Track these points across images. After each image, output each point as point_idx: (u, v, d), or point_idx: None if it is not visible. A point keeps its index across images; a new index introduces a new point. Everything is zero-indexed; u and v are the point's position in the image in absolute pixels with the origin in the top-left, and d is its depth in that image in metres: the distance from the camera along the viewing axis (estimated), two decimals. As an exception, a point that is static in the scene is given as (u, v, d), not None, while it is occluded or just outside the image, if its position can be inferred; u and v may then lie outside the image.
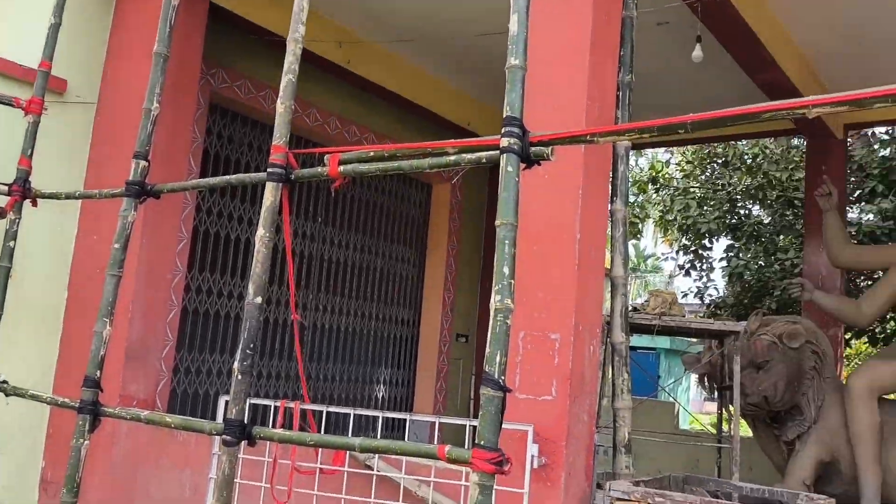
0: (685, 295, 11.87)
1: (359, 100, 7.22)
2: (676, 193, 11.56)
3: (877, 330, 9.82)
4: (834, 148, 7.35)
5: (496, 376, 2.22)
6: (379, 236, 8.12)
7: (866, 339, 10.44)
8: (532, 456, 3.08)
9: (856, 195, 9.87)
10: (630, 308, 4.62)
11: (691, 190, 11.68)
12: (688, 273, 12.23)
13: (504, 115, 2.38)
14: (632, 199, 12.42)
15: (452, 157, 2.67)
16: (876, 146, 10.09)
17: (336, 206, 7.52)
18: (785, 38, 5.89)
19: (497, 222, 2.23)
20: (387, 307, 8.21)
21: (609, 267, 3.51)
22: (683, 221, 11.39)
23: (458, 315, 8.50)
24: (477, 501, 2.18)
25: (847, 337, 10.99)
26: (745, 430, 7.02)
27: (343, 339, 7.65)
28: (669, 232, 12.37)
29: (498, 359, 2.23)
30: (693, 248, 11.92)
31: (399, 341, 8.36)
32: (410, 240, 8.53)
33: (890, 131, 10.24)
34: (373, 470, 3.35)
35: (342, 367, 7.68)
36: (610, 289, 3.50)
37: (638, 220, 11.68)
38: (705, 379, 5.90)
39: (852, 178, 9.92)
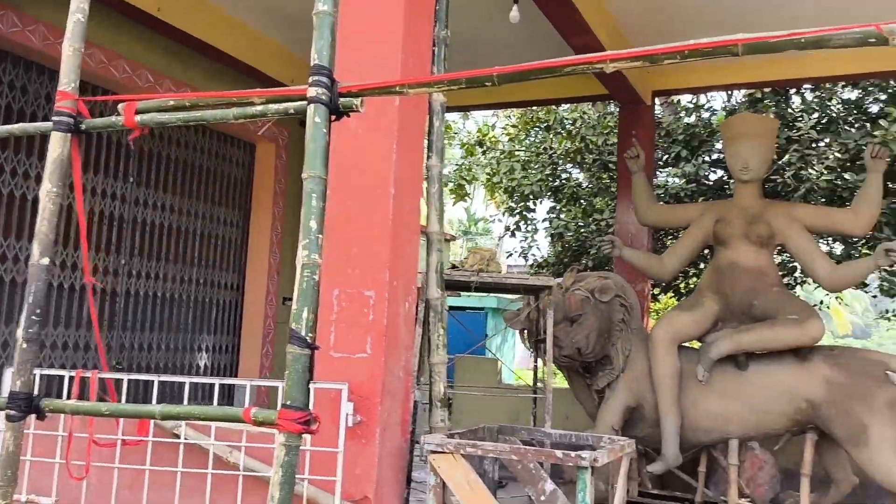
0: (510, 255, 12.27)
1: (175, 53, 6.78)
2: (502, 156, 11.87)
3: (681, 285, 10.62)
4: (643, 113, 7.79)
5: (303, 333, 2.16)
6: (199, 198, 7.74)
7: (672, 294, 11.28)
8: (347, 414, 3.04)
9: (664, 160, 10.54)
10: (449, 265, 4.68)
11: (516, 153, 12.03)
12: (513, 234, 12.64)
13: (312, 64, 2.28)
14: (460, 161, 12.64)
15: (258, 108, 2.54)
16: (682, 114, 10.81)
17: (151, 167, 7.08)
18: (598, 4, 6.12)
19: (304, 175, 2.15)
20: (208, 271, 7.88)
21: (425, 223, 3.51)
22: (509, 184, 11.72)
23: (285, 278, 8.31)
24: (283, 462, 2.11)
25: (656, 292, 11.84)
26: (562, 381, 7.38)
27: (161, 306, 7.27)
28: (497, 194, 12.69)
29: (305, 315, 2.16)
30: (518, 210, 12.31)
31: (222, 306, 8.06)
32: (233, 201, 8.20)
33: (694, 100, 11.00)
34: (180, 438, 3.19)
35: (161, 335, 7.30)
36: (426, 245, 3.51)
37: (466, 182, 11.92)
38: (524, 334, 6.12)
39: (661, 144, 10.58)
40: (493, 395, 8.09)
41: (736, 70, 7.46)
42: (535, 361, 5.76)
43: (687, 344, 6.08)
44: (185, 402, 3.28)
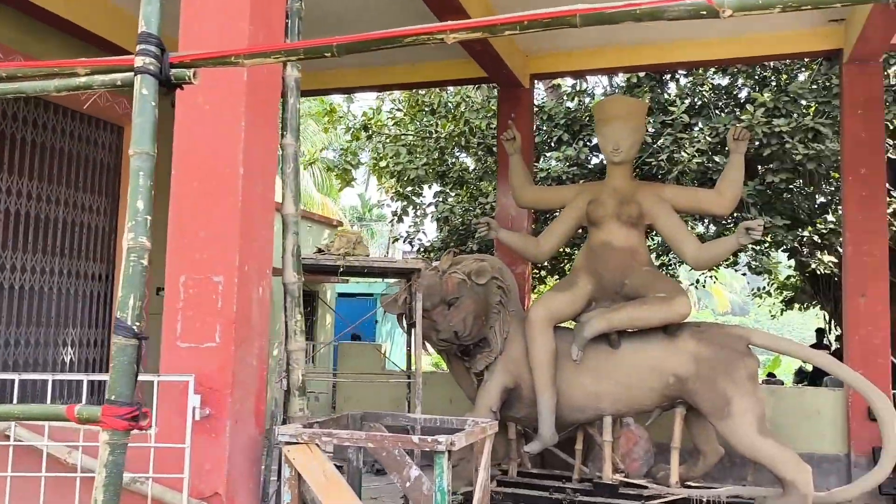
0: (396, 240, 12.18)
1: (29, 28, 6.29)
2: (388, 141, 11.74)
3: (567, 268, 10.82)
4: (522, 97, 7.83)
5: (129, 323, 2.00)
6: (62, 184, 7.25)
7: (558, 277, 11.49)
8: (194, 407, 2.87)
9: (547, 143, 10.68)
10: (315, 249, 4.54)
11: (402, 137, 11.93)
12: (401, 219, 12.56)
13: (139, 32, 2.11)
14: (344, 145, 12.42)
15: (83, 80, 2.34)
16: (564, 99, 10.98)
17: (5, 150, 6.57)
18: (471, -16, 6.08)
19: (130, 151, 1.99)
20: (74, 261, 7.42)
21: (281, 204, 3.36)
22: (395, 168, 11.61)
23: (157, 268, 7.91)
24: (108, 462, 1.95)
25: (542, 275, 12.03)
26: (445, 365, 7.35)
27: (21, 299, 6.79)
28: (384, 179, 12.56)
29: (131, 303, 2.02)
30: (405, 195, 12.23)
31: (90, 298, 7.61)
32: (100, 187, 7.74)
33: (575, 85, 11.19)
34: (10, 440, 2.94)
35: (22, 330, 6.82)
36: (282, 227, 3.36)
37: (351, 167, 11.72)
38: (402, 319, 6.04)
39: (544, 128, 10.72)
40: (377, 382, 8.00)
41: (613, 55, 7.60)
42: (408, 346, 5.69)
43: (564, 324, 6.16)
44: (49, 400, 3.03)
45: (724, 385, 5.41)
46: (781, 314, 15.60)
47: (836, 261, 10.09)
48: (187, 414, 2.87)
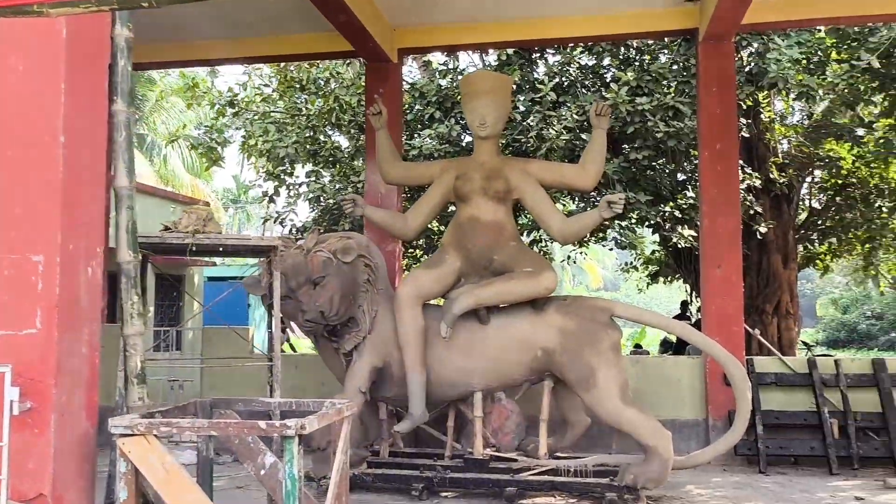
0: (267, 221, 11.81)
1: None
2: (256, 118, 11.30)
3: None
4: (391, 72, 7.67)
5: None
6: None
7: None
8: (11, 401, 2.59)
9: (419, 120, 10.57)
10: (162, 227, 4.25)
11: (272, 115, 11.52)
12: (272, 200, 12.15)
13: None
14: (209, 122, 11.86)
15: None
16: (436, 76, 10.89)
17: None
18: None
19: None
20: None
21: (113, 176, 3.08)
22: (264, 147, 11.20)
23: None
24: None
25: (418, 254, 11.96)
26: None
27: None
28: (254, 158, 12.10)
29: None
30: (276, 174, 11.84)
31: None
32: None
33: (447, 62, 11.12)
34: None
35: None
36: (115, 202, 3.08)
37: (217, 146, 11.20)
38: (266, 300, 5.81)
39: (416, 106, 10.60)
40: (246, 368, 7.71)
41: (482, 30, 7.56)
42: (269, 328, 5.46)
43: (433, 302, 6.10)
44: None
45: (589, 356, 5.50)
46: (648, 288, 16.20)
47: (695, 235, 10.54)
48: (4, 408, 2.58)
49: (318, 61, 10.51)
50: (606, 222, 10.66)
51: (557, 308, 5.74)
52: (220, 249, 4.69)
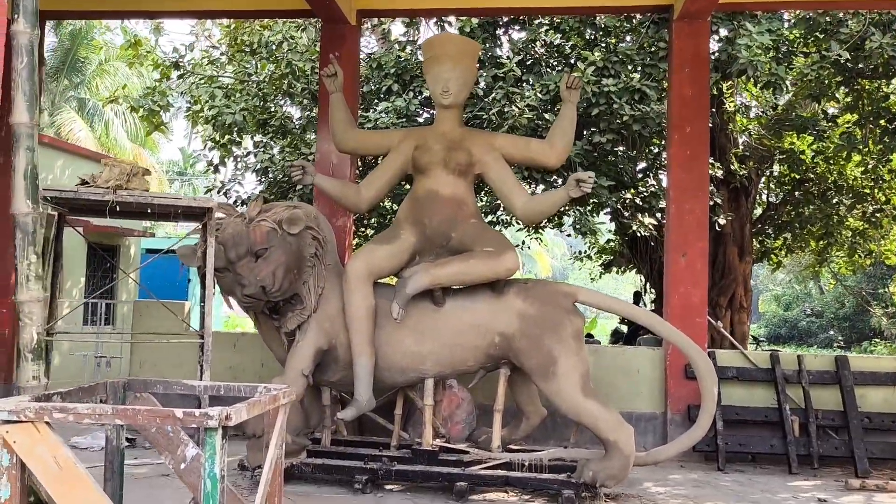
0: (210, 191, 11.21)
1: None
2: (202, 82, 10.67)
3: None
4: (348, 35, 7.18)
5: None
6: None
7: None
8: None
9: (376, 93, 10.08)
10: (79, 181, 3.74)
11: (220, 79, 10.89)
12: (216, 170, 11.54)
13: None
14: (152, 83, 11.13)
15: None
16: (395, 47, 10.40)
17: None
18: None
19: None
20: None
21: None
22: (210, 113, 10.58)
23: None
24: None
25: (369, 233, 11.48)
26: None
27: None
28: (200, 127, 11.44)
29: None
30: (222, 143, 11.23)
31: None
32: None
33: (407, 33, 10.63)
34: None
35: None
36: (13, 142, 2.57)
37: (158, 109, 10.52)
38: (202, 272, 5.31)
39: (373, 77, 10.11)
40: (179, 346, 7.18)
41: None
42: (202, 301, 4.97)
43: (384, 280, 5.68)
44: None
45: (550, 343, 5.15)
46: (600, 277, 16.02)
47: (655, 223, 10.30)
48: None
49: (271, 23, 9.92)
50: (564, 207, 10.36)
51: (518, 291, 5.37)
52: (148, 211, 4.16)
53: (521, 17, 9.92)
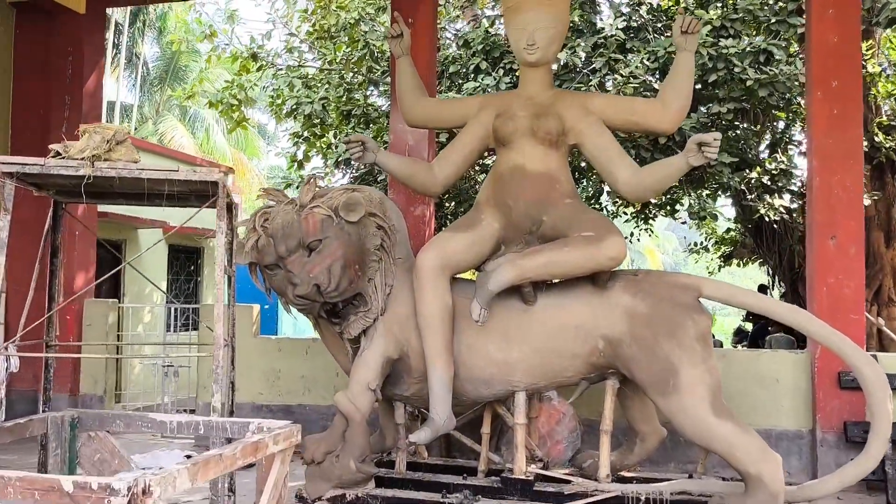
0: (288, 186, 10.65)
1: None
2: (281, 71, 10.11)
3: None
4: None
5: None
6: None
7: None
8: None
9: (464, 74, 9.24)
10: (51, 152, 3.01)
11: (300, 68, 10.32)
12: (301, 165, 10.99)
13: None
14: (230, 76, 10.63)
15: None
16: (481, 23, 9.53)
17: None
18: None
19: None
20: None
21: None
22: (291, 104, 10.02)
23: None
24: None
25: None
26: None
27: None
28: (280, 118, 10.89)
29: None
30: (305, 137, 10.67)
31: None
32: None
33: (493, 7, 9.72)
34: None
35: None
36: None
37: (237, 103, 9.99)
38: (256, 269, 4.57)
39: (461, 56, 9.29)
40: (253, 351, 6.54)
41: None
42: (228, 306, 4.19)
43: (464, 275, 4.78)
44: None
45: (669, 350, 4.11)
46: (719, 270, 14.57)
47: (787, 205, 8.96)
48: None
49: (348, 2, 9.20)
50: (678, 190, 9.16)
51: (626, 285, 4.35)
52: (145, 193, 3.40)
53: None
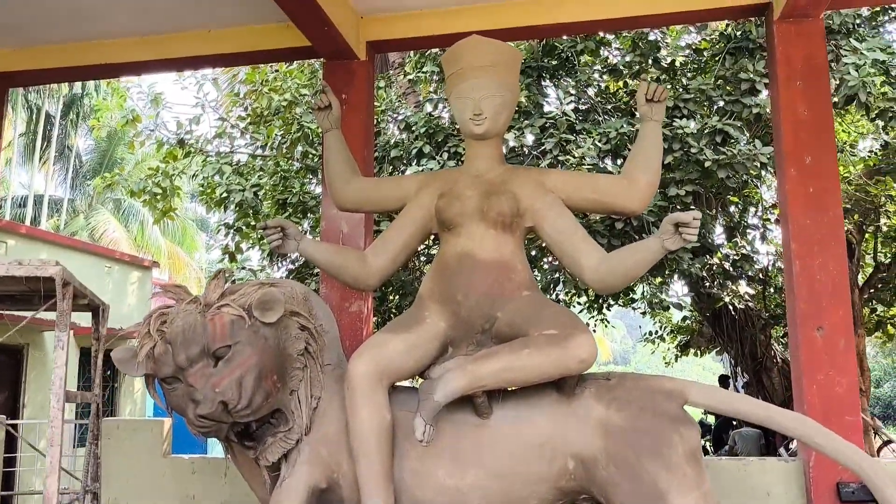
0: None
1: None
2: (209, 160, 9.45)
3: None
4: (357, 70, 5.75)
5: None
6: None
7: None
8: None
9: (406, 159, 8.72)
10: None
11: (232, 155, 9.68)
12: (234, 258, 10.21)
13: None
14: (159, 164, 9.90)
15: None
16: (422, 103, 9.09)
17: None
18: None
19: None
20: None
21: None
22: (220, 193, 9.33)
23: None
24: None
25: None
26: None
27: None
28: (211, 207, 10.16)
29: None
30: (236, 227, 9.94)
31: None
32: None
33: (436, 90, 9.30)
34: None
35: None
36: None
37: (160, 192, 9.22)
38: (153, 381, 3.76)
39: (403, 139, 8.78)
40: (163, 475, 5.60)
41: (476, 15, 5.66)
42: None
43: (405, 382, 4.03)
44: None
45: (654, 473, 3.39)
46: (676, 360, 14.06)
47: (751, 292, 8.49)
48: None
49: (281, 84, 8.65)
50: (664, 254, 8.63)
51: (598, 392, 3.65)
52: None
53: (568, 63, 8.51)
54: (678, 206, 7.78)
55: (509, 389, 3.74)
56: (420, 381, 3.89)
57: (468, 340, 3.86)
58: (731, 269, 8.22)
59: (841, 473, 4.67)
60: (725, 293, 8.18)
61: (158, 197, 9.33)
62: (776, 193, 7.29)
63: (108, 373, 10.27)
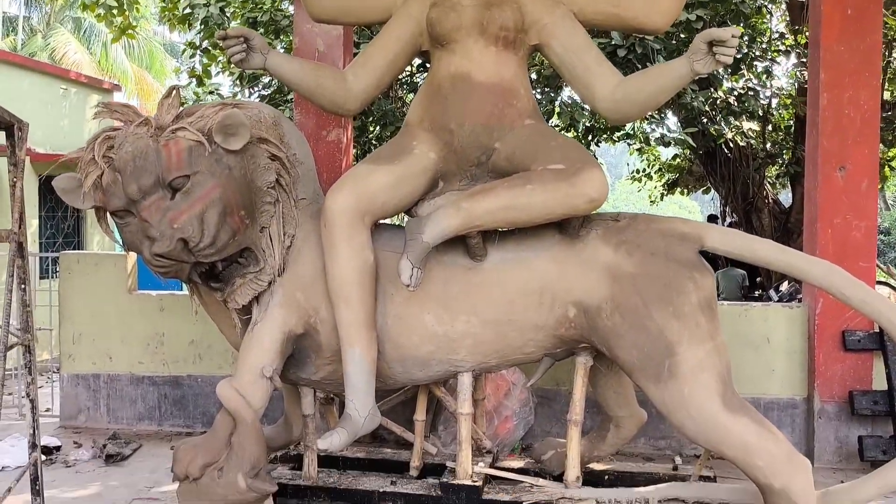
0: (184, 105, 9.17)
1: None
2: (171, -32, 8.51)
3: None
4: None
5: None
6: None
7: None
8: None
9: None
10: None
11: (194, -34, 8.72)
12: (201, 82, 9.49)
13: None
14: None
15: None
16: None
17: None
18: None
19: None
20: None
21: None
22: (182, 7, 8.49)
23: None
24: None
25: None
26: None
27: None
28: (174, 25, 9.30)
29: None
30: (203, 48, 9.17)
31: None
32: None
33: None
34: None
35: None
36: None
37: (117, 5, 8.35)
38: (105, 214, 3.32)
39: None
40: (129, 312, 5.30)
41: None
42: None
43: (388, 220, 3.62)
44: None
45: (663, 322, 3.08)
46: (662, 199, 13.78)
47: (756, 128, 8.03)
48: None
49: None
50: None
51: (606, 235, 3.28)
52: None
53: None
54: (684, 34, 7.15)
55: (506, 230, 3.35)
56: (407, 218, 3.48)
57: (462, 174, 3.41)
58: (735, 104, 7.71)
59: (848, 321, 4.45)
60: (729, 129, 7.71)
61: (115, 11, 8.44)
62: (805, 15, 6.63)
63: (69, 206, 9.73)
